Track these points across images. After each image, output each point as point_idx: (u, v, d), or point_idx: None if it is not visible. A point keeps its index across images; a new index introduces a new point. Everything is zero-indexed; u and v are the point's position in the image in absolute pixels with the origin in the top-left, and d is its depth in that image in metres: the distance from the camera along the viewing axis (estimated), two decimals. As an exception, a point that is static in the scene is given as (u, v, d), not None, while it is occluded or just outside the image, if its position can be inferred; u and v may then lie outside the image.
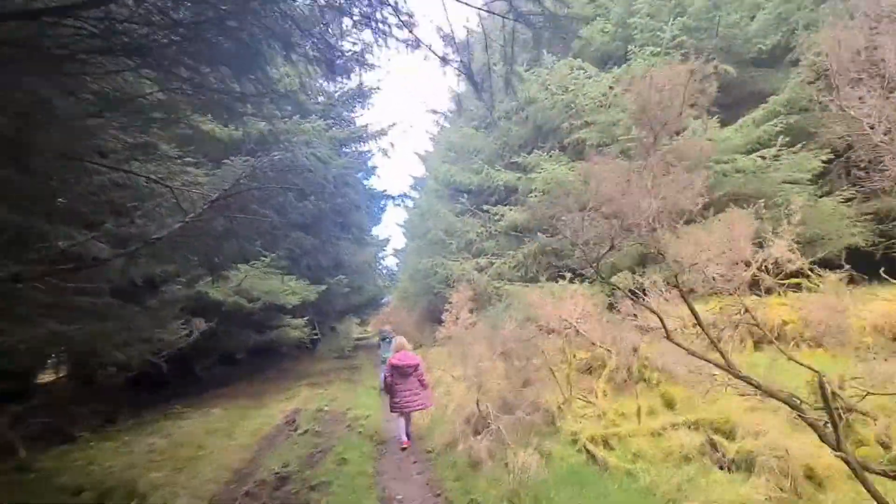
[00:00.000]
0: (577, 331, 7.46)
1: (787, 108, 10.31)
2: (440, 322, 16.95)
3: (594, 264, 3.98)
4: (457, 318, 11.62)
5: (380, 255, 19.87)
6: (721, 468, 3.77)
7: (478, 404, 5.72)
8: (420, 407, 6.73)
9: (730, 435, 4.20)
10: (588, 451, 4.45)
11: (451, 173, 15.87)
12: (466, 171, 15.79)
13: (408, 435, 6.61)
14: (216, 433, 7.61)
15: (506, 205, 14.44)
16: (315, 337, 11.23)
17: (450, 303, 12.26)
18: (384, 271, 24.04)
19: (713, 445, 3.96)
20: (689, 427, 4.52)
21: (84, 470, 6.01)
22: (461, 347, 9.33)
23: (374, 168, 14.73)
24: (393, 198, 16.34)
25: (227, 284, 8.76)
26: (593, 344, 7.50)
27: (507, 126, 15.15)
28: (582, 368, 7.69)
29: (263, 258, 8.83)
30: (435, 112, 17.80)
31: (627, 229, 3.76)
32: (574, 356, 6.81)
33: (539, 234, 12.64)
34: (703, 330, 3.57)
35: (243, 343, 10.45)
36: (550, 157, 13.12)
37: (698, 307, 9.84)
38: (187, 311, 8.41)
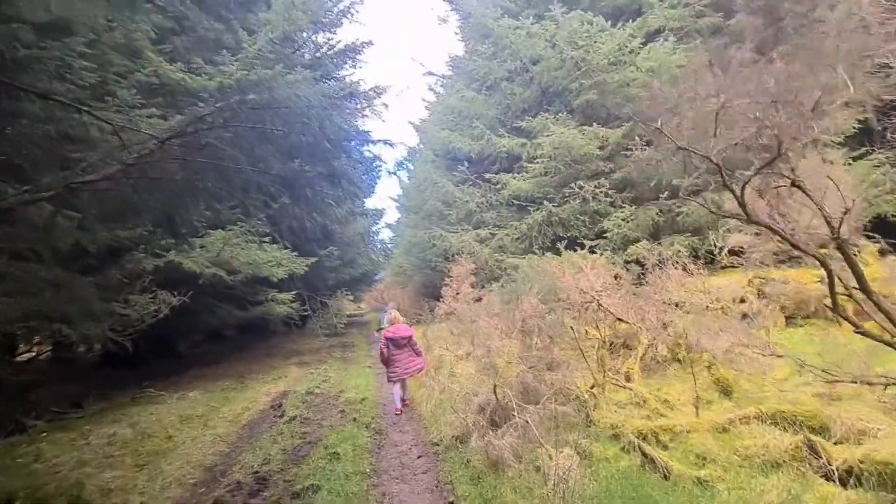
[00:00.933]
0: (599, 304, 6.52)
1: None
2: (438, 298, 16.03)
3: (740, 194, 2.71)
4: (457, 293, 10.66)
5: (374, 228, 18.68)
6: (827, 479, 2.86)
7: (495, 391, 4.76)
8: (416, 370, 7.00)
9: (823, 433, 3.29)
10: (642, 452, 3.51)
11: (449, 140, 14.66)
12: (466, 138, 14.59)
13: (403, 401, 6.88)
14: (190, 421, 6.62)
15: (508, 173, 13.34)
16: (305, 313, 10.22)
17: (449, 276, 11.26)
18: (378, 246, 22.92)
19: (812, 448, 3.03)
20: (764, 421, 3.62)
21: (24, 470, 5.00)
22: (465, 324, 8.40)
23: (367, 133, 13.36)
24: (387, 166, 14.99)
25: (205, 254, 7.65)
26: (619, 320, 6.57)
27: (510, 88, 13.90)
28: (606, 348, 6.76)
29: (242, 223, 7.68)
30: (432, 74, 16.46)
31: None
32: (605, 333, 5.85)
33: (545, 202, 11.61)
34: (869, 296, 2.51)
35: (225, 319, 9.39)
36: (558, 119, 11.95)
37: (720, 280, 8.93)
38: (158, 285, 7.32)
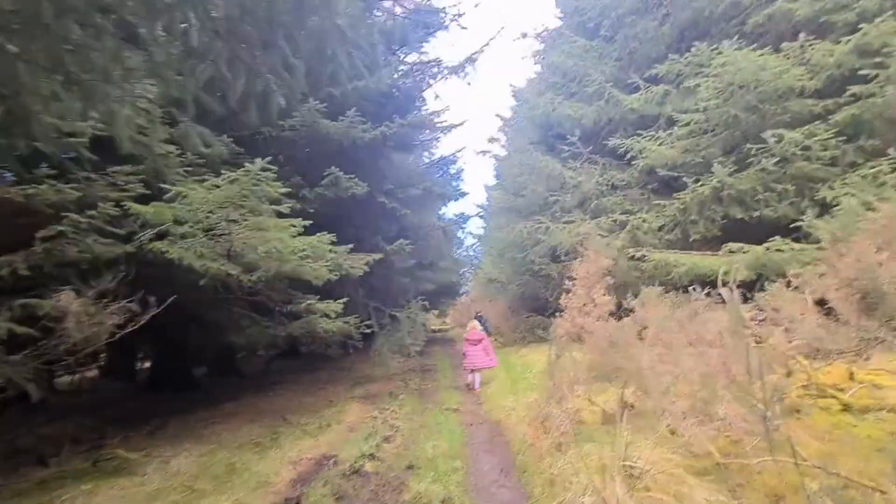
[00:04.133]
0: None
1: None
2: (543, 312, 12.27)
3: None
4: (585, 303, 6.91)
5: (458, 231, 15.40)
6: None
7: None
8: (484, 366, 8.42)
9: None
10: None
11: (553, 106, 11.05)
12: (576, 102, 10.90)
13: (475, 388, 8.25)
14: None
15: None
16: (368, 330, 7.19)
17: (570, 279, 7.55)
18: (463, 254, 19.67)
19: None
20: None
21: None
22: (624, 357, 4.80)
23: (444, 126, 9.57)
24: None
25: (211, 246, 4.86)
26: None
27: (639, 26, 10.01)
28: None
29: (256, 184, 4.65)
30: (526, 36, 13.03)
31: None
32: None
33: (717, 163, 7.47)
34: None
35: (256, 339, 6.61)
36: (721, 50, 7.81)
37: None
38: (137, 287, 4.61)
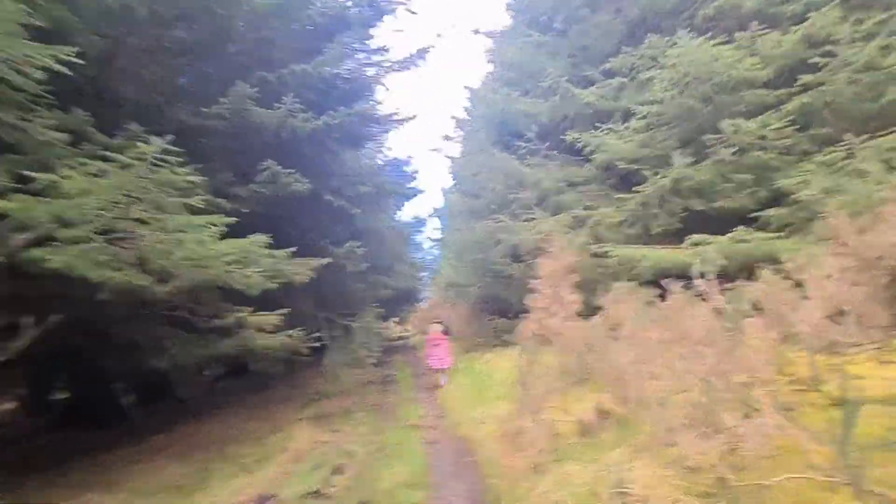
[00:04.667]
0: None
1: None
2: (506, 314, 11.83)
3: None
4: (550, 303, 6.50)
5: (416, 234, 14.68)
6: None
7: None
8: (445, 365, 9.27)
9: None
10: None
11: (509, 101, 10.71)
12: (531, 99, 10.62)
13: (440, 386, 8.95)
14: None
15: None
16: (317, 344, 6.39)
17: (535, 278, 7.12)
18: (422, 258, 19.01)
19: None
20: None
21: None
22: (595, 359, 4.39)
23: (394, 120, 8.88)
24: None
25: (112, 252, 3.97)
26: None
27: (592, 20, 9.87)
28: None
29: (160, 163, 3.76)
30: (478, 32, 12.67)
31: None
32: None
33: (677, 154, 7.31)
34: None
35: (181, 359, 5.59)
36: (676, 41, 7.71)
37: None
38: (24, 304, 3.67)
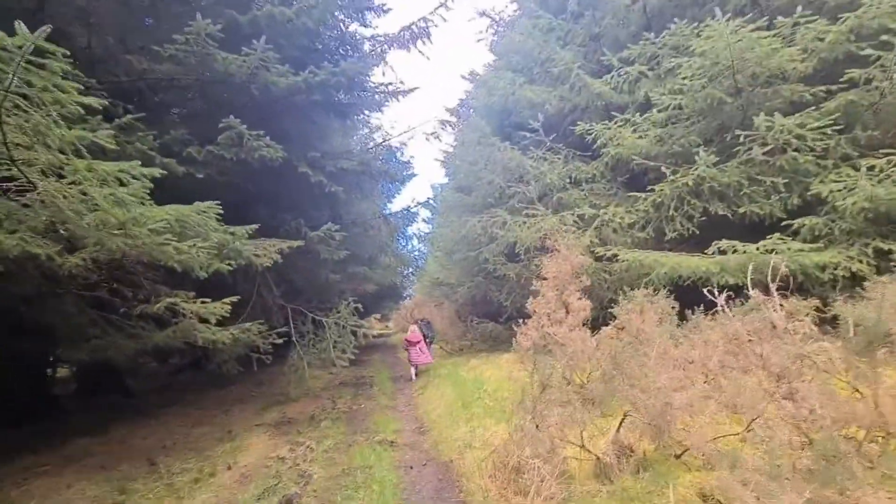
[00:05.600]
0: None
1: None
2: (495, 318, 10.92)
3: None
4: (555, 309, 5.65)
5: (407, 226, 13.58)
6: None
7: None
8: (423, 362, 9.94)
9: None
10: None
11: (513, 89, 9.83)
12: (538, 86, 9.76)
13: (416, 375, 9.75)
14: None
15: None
16: (279, 340, 5.38)
17: (540, 279, 6.25)
18: (408, 253, 17.96)
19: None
20: None
21: None
22: (621, 377, 3.53)
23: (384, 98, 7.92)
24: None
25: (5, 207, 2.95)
26: None
27: (610, 3, 9.07)
28: None
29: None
30: (484, 14, 11.75)
31: None
32: None
33: (702, 152, 6.50)
34: None
35: (98, 351, 4.51)
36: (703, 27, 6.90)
37: None
38: None
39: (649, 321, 4.34)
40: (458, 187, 12.90)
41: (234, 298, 4.04)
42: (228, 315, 4.00)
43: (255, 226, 4.65)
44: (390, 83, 7.47)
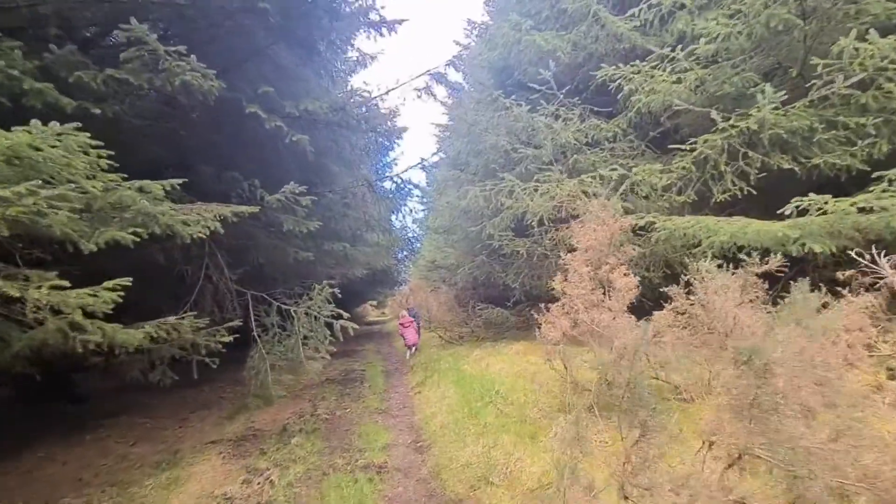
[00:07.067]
0: None
1: None
2: (500, 302, 9.54)
3: None
4: (592, 289, 4.32)
5: (399, 203, 11.97)
6: None
7: None
8: (415, 342, 10.65)
9: None
10: None
11: (518, 36, 8.33)
12: (547, 33, 8.26)
13: (411, 353, 10.55)
14: None
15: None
16: (228, 337, 4.04)
17: (571, 252, 4.89)
18: (402, 233, 16.51)
19: None
20: None
21: None
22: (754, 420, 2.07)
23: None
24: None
25: None
26: None
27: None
28: None
29: None
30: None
31: None
32: None
33: (768, 88, 5.11)
34: None
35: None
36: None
37: None
38: None
39: (742, 304, 3.01)
40: (455, 162, 11.43)
41: (126, 281, 2.63)
42: (121, 302, 2.62)
43: (178, 180, 3.24)
44: (375, 8, 5.91)
